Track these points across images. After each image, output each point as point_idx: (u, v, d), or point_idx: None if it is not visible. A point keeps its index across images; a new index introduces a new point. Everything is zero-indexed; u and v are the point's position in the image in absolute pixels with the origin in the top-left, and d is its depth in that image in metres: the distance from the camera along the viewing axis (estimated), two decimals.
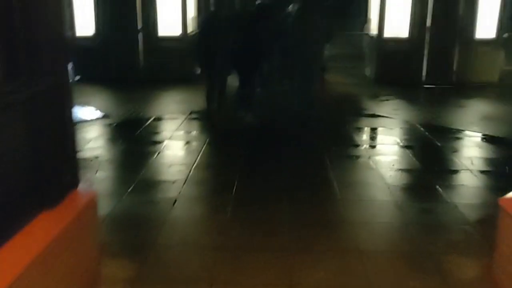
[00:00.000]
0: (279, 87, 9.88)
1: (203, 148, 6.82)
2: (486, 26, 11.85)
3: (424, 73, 11.97)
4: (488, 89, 11.73)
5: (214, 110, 8.27)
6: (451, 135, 7.76)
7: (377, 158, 6.32)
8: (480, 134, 7.64)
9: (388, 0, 11.88)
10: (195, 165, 6.07)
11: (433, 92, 11.51)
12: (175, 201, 4.98)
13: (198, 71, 9.08)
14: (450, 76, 11.97)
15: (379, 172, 5.78)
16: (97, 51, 11.95)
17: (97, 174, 5.75)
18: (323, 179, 5.64)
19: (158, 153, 6.62)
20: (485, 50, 11.92)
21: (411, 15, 11.75)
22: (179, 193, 5.18)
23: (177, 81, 11.78)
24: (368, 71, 12.70)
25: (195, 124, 8.48)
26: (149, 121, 8.35)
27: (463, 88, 11.65)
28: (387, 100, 10.34)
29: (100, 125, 8.14)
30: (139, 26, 11.98)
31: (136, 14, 11.88)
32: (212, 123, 8.20)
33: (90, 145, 6.90)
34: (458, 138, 7.58)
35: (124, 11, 11.90)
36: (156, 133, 7.76)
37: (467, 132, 7.74)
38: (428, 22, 11.71)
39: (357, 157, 6.39)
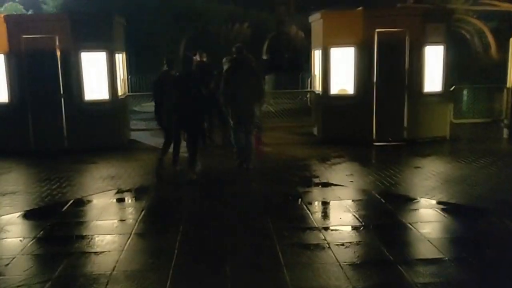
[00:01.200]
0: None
1: (127, 245, 5.59)
2: (432, 79, 11.40)
3: (374, 130, 11.28)
4: (440, 144, 11.19)
5: (161, 165, 8.41)
6: (414, 207, 6.90)
7: (339, 249, 5.28)
8: (444, 203, 6.81)
9: (332, 56, 11.26)
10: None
11: (384, 150, 10.80)
12: None
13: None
14: (400, 132, 11.33)
15: (344, 270, 4.74)
16: (12, 119, 10.62)
17: None
18: (277, 284, 4.53)
19: (71, 255, 5.33)
20: (434, 104, 11.42)
21: (356, 70, 11.13)
22: None
23: (106, 150, 10.58)
24: (316, 130, 11.90)
25: (122, 207, 7.26)
26: (66, 206, 7.04)
27: (415, 145, 11.04)
28: (338, 163, 9.48)
29: None
30: (61, 90, 10.74)
31: (57, 77, 10.66)
32: (159, 176, 8.32)
33: None
34: (424, 210, 6.70)
35: (43, 74, 10.67)
36: (71, 224, 6.45)
37: (431, 202, 6.89)
38: (374, 77, 11.12)
39: (315, 246, 5.34)
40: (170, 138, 8.55)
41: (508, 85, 12.00)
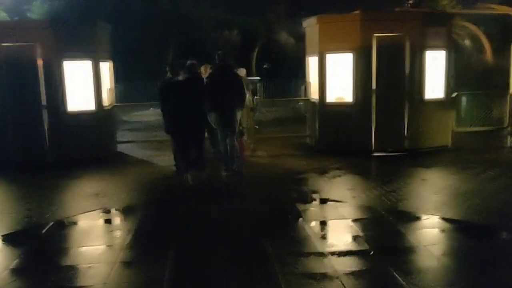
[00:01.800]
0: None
1: (110, 276, 4.98)
2: (434, 86, 10.92)
3: (373, 140, 10.75)
4: (443, 154, 10.68)
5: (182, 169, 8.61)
6: (426, 225, 6.35)
7: (349, 278, 4.71)
8: (458, 222, 6.27)
9: (329, 62, 10.74)
10: None
11: (385, 161, 10.29)
12: None
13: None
14: (401, 142, 10.82)
15: None
16: None
17: None
18: None
19: None
20: (435, 112, 10.93)
21: (354, 77, 10.61)
22: None
23: (91, 164, 9.97)
24: (312, 140, 11.36)
25: (107, 230, 6.65)
26: (45, 229, 6.41)
27: (417, 155, 10.53)
28: (338, 176, 8.93)
29: None
30: (43, 101, 10.12)
31: (39, 87, 10.04)
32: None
33: None
34: (437, 230, 6.16)
35: (23, 84, 10.04)
36: (48, 251, 5.83)
37: (443, 220, 6.35)
38: (373, 84, 10.61)
39: (322, 276, 4.76)
40: (179, 144, 8.64)
41: (511, 91, 11.56)
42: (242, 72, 12.36)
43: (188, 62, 8.96)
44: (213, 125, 8.76)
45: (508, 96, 11.55)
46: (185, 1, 28.54)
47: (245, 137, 10.16)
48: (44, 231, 6.33)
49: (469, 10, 13.38)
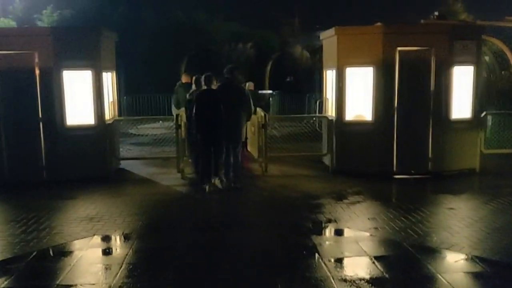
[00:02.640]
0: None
1: None
2: (460, 104, 10.09)
3: (394, 161, 9.92)
4: (470, 179, 9.83)
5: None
6: (463, 268, 5.48)
7: None
8: (502, 264, 5.42)
9: (348, 77, 9.96)
10: None
11: (407, 185, 9.46)
12: None
13: None
14: (424, 163, 9.97)
15: None
16: None
17: None
18: None
19: None
20: (462, 132, 10.08)
21: (375, 93, 9.81)
22: None
23: (90, 183, 9.27)
24: (328, 160, 10.54)
25: (96, 263, 5.86)
26: (27, 259, 5.65)
27: (442, 178, 9.68)
28: (357, 202, 8.10)
29: None
30: (40, 114, 9.44)
31: (36, 99, 9.37)
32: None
33: None
34: (478, 274, 5.29)
35: (19, 95, 9.38)
36: None
37: (484, 262, 5.49)
38: (396, 102, 9.80)
39: None
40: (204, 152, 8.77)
41: None
42: (250, 86, 12.28)
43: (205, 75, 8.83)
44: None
45: None
46: (199, 13, 28.07)
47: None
48: (23, 263, 5.58)
49: (498, 22, 12.52)
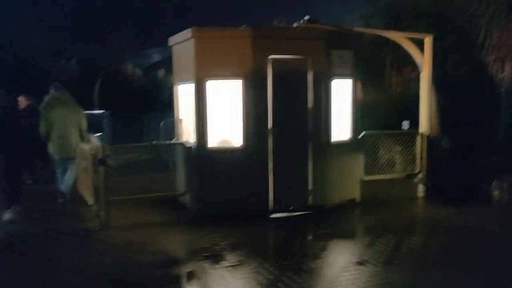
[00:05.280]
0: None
1: None
2: (340, 124, 8.57)
3: (270, 196, 7.96)
4: (352, 212, 8.39)
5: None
6: None
7: None
8: None
9: (211, 92, 7.82)
10: None
11: (286, 226, 7.65)
12: None
13: None
14: (305, 197, 8.21)
15: None
16: None
17: None
18: None
19: None
20: (342, 157, 8.53)
21: (245, 113, 7.81)
22: None
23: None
24: (189, 200, 8.20)
25: None
26: None
27: (323, 214, 8.05)
28: (238, 264, 5.88)
29: None
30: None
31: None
32: None
33: None
34: None
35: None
36: None
37: None
38: (270, 122, 7.90)
39: None
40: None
41: (421, 130, 9.62)
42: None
43: None
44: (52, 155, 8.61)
45: (419, 136, 9.57)
46: (16, 26, 24.17)
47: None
48: None
49: (375, 30, 11.36)
